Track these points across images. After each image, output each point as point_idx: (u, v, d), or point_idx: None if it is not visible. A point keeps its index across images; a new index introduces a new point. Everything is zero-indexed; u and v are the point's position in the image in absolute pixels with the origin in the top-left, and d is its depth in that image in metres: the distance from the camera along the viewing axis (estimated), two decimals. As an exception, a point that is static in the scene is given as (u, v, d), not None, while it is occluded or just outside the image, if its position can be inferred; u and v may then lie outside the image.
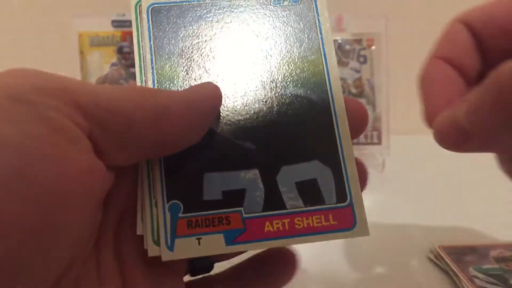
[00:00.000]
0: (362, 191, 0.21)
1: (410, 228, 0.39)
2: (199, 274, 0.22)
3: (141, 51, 0.21)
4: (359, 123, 0.22)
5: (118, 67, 0.52)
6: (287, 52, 0.22)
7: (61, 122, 0.15)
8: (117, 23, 0.51)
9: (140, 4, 0.22)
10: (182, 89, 0.20)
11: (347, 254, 0.35)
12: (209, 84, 0.20)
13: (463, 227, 0.39)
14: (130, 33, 0.52)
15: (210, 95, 0.19)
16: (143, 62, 0.21)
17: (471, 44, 0.23)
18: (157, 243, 0.19)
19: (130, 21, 0.52)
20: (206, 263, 0.22)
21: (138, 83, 0.21)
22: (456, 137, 0.19)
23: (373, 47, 0.52)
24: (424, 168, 0.51)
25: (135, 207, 0.20)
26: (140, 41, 0.22)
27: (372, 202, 0.44)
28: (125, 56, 0.52)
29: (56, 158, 0.15)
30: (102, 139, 0.16)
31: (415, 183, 0.47)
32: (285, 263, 0.23)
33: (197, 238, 0.19)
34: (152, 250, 0.19)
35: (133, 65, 0.52)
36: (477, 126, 0.18)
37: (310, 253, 0.35)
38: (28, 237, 0.14)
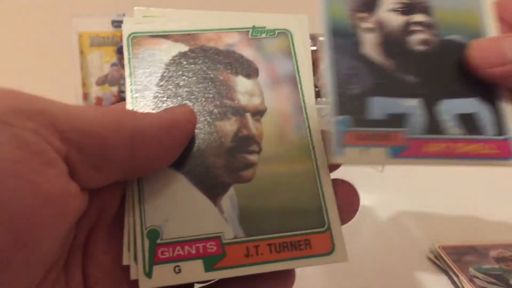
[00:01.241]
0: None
1: (410, 228, 0.40)
2: None
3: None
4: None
5: (118, 67, 0.52)
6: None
7: (38, 145, 0.15)
8: (117, 23, 0.51)
9: (134, 36, 0.22)
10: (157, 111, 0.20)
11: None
12: (184, 107, 0.20)
13: (463, 227, 0.39)
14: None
15: (185, 117, 0.19)
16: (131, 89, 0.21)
17: None
18: (147, 274, 0.19)
19: (130, 21, 0.52)
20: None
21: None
22: (494, 58, 0.21)
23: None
24: (424, 168, 0.51)
25: (103, 226, 0.20)
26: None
27: (372, 202, 0.44)
28: (125, 56, 0.52)
29: (31, 180, 0.15)
30: (77, 162, 0.16)
31: (415, 183, 0.47)
32: (280, 276, 0.21)
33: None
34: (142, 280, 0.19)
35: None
36: None
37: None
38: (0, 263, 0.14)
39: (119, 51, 0.52)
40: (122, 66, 0.52)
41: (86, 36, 0.52)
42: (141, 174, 0.19)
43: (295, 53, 0.23)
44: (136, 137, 0.17)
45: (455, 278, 0.32)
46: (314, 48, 0.52)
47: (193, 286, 0.22)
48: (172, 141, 0.19)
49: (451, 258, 0.34)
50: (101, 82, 0.52)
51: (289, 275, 0.21)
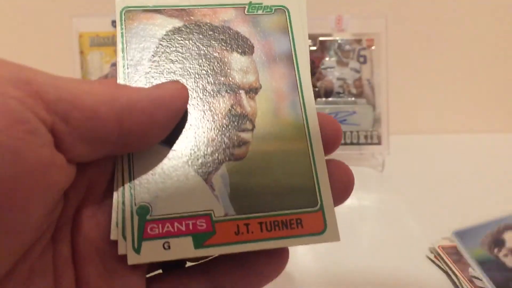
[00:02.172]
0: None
1: (410, 228, 0.40)
2: (172, 269, 0.22)
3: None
4: (332, 140, 0.22)
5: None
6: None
7: (22, 114, 0.15)
8: (117, 23, 0.51)
9: (127, 9, 0.22)
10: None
11: (346, 254, 0.35)
12: (177, 83, 0.20)
13: (463, 227, 0.39)
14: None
15: (177, 93, 0.19)
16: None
17: None
18: (136, 250, 0.19)
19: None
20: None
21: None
22: None
23: (373, 47, 0.52)
24: (424, 168, 0.51)
25: (92, 201, 0.19)
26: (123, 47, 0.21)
27: (372, 202, 0.44)
28: (125, 56, 0.52)
29: (15, 149, 0.15)
30: (64, 133, 0.16)
31: (415, 183, 0.47)
32: (272, 253, 0.21)
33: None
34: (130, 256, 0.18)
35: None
36: None
37: (308, 253, 0.35)
38: None
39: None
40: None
41: (86, 36, 0.52)
42: (131, 149, 0.19)
43: (292, 31, 0.23)
44: (127, 110, 0.17)
45: (455, 278, 0.32)
46: (314, 48, 0.53)
47: (184, 264, 0.22)
48: (163, 117, 0.18)
49: (451, 258, 0.34)
50: (101, 82, 0.52)
51: (282, 254, 0.21)
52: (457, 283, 0.32)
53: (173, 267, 0.22)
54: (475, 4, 0.59)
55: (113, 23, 0.51)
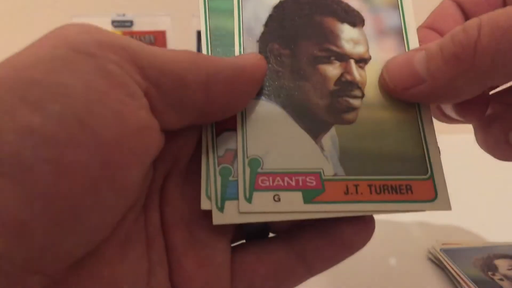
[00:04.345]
0: None
1: (410, 228, 0.40)
2: (255, 238, 0.22)
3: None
4: None
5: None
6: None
7: (121, 77, 0.16)
8: (117, 23, 0.51)
9: None
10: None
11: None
12: (256, 55, 0.20)
13: (463, 227, 0.39)
14: (130, 33, 0.52)
15: (257, 64, 0.20)
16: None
17: (459, 17, 0.25)
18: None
19: (130, 21, 0.52)
20: (260, 227, 0.22)
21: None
22: (408, 79, 0.21)
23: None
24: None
25: (179, 172, 0.20)
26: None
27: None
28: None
29: (117, 111, 0.15)
30: (156, 99, 0.17)
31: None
32: (359, 222, 0.20)
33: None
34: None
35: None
36: (433, 71, 0.20)
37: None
38: (87, 184, 0.14)
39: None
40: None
41: (86, 36, 0.51)
42: (214, 118, 0.20)
43: (402, 6, 0.24)
44: (211, 79, 0.18)
45: (455, 279, 0.32)
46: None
47: (267, 233, 0.22)
48: (245, 85, 0.19)
49: (451, 258, 0.33)
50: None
51: (369, 224, 0.20)
52: (457, 284, 0.32)
53: (257, 236, 0.22)
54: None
55: (113, 23, 0.51)
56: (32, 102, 0.14)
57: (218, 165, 0.20)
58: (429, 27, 0.25)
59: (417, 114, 0.22)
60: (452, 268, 0.32)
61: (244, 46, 0.22)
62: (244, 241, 0.22)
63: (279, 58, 0.22)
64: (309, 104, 0.21)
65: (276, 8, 0.23)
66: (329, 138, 0.21)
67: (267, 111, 0.21)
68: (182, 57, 0.18)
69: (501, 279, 0.31)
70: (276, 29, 0.22)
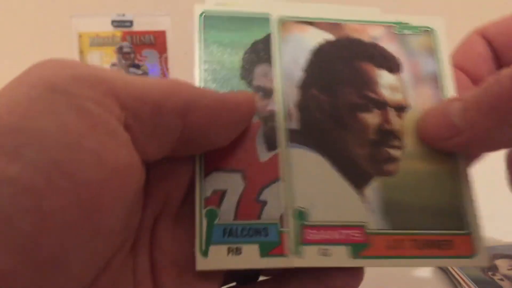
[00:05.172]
0: None
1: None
2: (246, 282, 0.21)
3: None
4: None
5: (118, 67, 0.52)
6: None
7: (99, 116, 0.15)
8: (117, 23, 0.51)
9: (282, 20, 0.23)
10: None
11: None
12: (246, 93, 0.20)
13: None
14: (130, 33, 0.52)
15: (243, 100, 0.19)
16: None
17: (488, 55, 0.24)
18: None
19: (130, 21, 0.52)
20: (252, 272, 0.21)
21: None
22: (445, 130, 0.20)
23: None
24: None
25: (170, 214, 0.20)
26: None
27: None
28: (125, 56, 0.52)
29: (95, 153, 0.15)
30: (136, 130, 0.17)
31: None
32: (350, 269, 0.20)
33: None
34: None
35: (132, 65, 0.52)
36: (470, 123, 0.19)
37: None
38: (68, 231, 0.14)
39: (119, 51, 0.52)
40: (122, 66, 0.52)
41: (86, 36, 0.52)
42: (195, 149, 0.19)
43: (437, 52, 0.23)
44: (190, 104, 0.17)
45: (455, 279, 0.32)
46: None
47: (257, 277, 0.22)
48: (226, 117, 0.18)
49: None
50: (101, 82, 0.52)
51: (358, 271, 0.20)
52: (457, 284, 0.32)
53: (247, 280, 0.21)
54: (472, 8, 0.58)
55: (113, 23, 0.51)
56: (8, 151, 0.13)
57: (205, 207, 0.19)
58: (458, 67, 0.24)
59: (455, 165, 0.21)
60: (453, 268, 0.32)
61: (285, 92, 0.21)
62: (234, 283, 0.22)
63: (318, 105, 0.21)
64: (350, 154, 0.21)
65: (316, 52, 0.22)
66: (372, 189, 0.20)
67: (310, 159, 0.20)
68: (161, 85, 0.17)
69: (501, 279, 0.31)
70: (315, 74, 0.22)
